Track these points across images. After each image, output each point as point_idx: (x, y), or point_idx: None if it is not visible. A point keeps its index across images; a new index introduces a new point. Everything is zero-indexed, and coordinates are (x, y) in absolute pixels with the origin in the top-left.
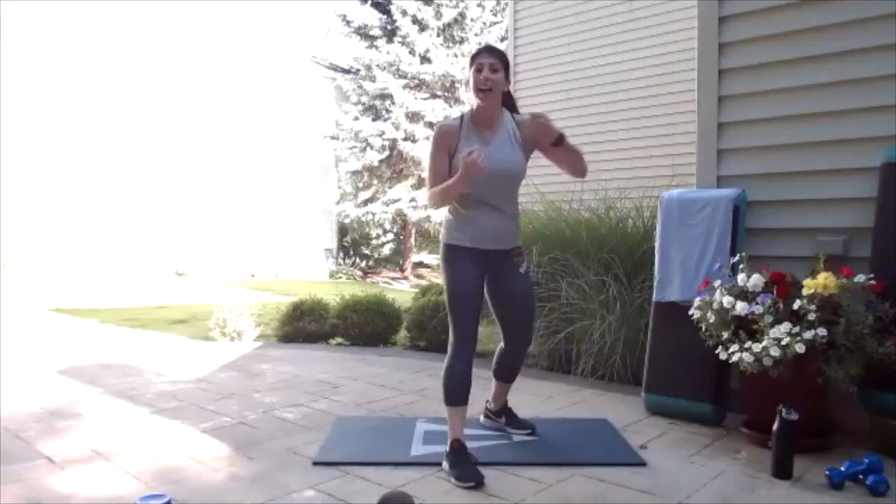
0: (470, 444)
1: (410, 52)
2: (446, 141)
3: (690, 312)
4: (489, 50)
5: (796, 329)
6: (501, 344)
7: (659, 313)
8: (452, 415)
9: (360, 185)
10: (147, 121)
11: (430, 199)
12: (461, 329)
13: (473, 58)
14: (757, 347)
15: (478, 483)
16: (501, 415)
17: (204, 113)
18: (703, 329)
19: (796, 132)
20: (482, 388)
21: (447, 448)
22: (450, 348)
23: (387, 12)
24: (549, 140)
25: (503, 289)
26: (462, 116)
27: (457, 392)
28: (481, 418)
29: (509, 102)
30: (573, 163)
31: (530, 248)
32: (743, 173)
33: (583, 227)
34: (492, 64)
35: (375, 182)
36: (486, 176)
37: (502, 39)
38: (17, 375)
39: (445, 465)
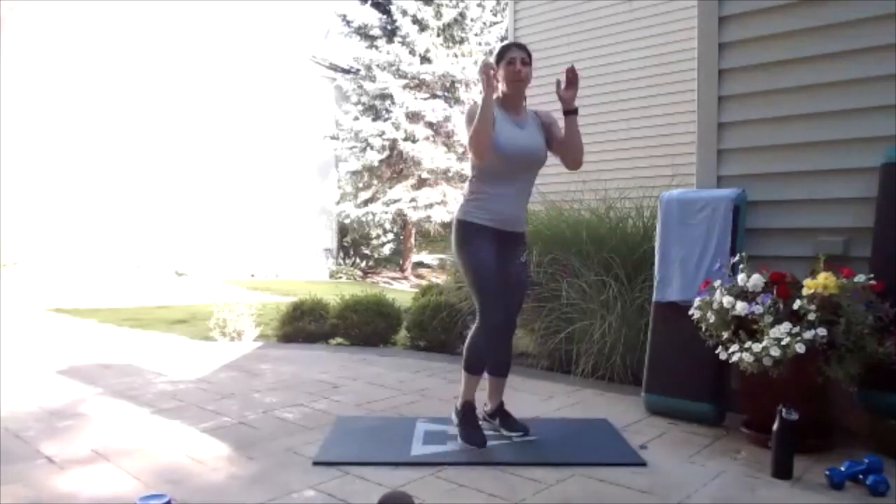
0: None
1: (410, 52)
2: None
3: (690, 312)
4: (519, 45)
5: (796, 329)
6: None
7: (659, 313)
8: (469, 381)
9: (360, 185)
10: (147, 121)
11: (471, 140)
12: (487, 302)
13: (504, 51)
14: (757, 347)
15: (479, 445)
16: (496, 416)
17: (204, 113)
18: (703, 329)
19: (796, 132)
20: (480, 389)
21: (458, 407)
22: (477, 322)
23: (387, 12)
24: (568, 98)
25: (504, 268)
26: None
27: (477, 362)
28: (479, 422)
29: None
30: (575, 151)
31: (530, 248)
32: (743, 173)
33: (583, 227)
34: (523, 58)
35: (375, 182)
36: (518, 155)
37: (502, 39)
38: (17, 375)
39: (454, 419)
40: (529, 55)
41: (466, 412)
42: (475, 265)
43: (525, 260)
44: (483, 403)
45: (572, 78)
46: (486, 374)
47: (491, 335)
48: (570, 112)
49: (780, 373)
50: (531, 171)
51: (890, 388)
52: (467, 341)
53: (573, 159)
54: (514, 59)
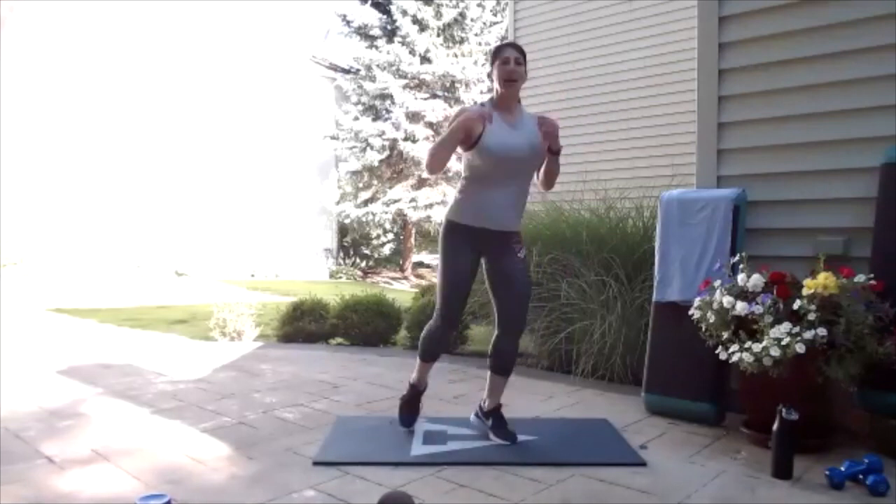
0: (471, 444)
1: (410, 52)
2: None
3: (690, 312)
4: (513, 45)
5: (796, 329)
6: (496, 332)
7: (659, 313)
8: (421, 367)
9: (360, 185)
10: (147, 121)
11: (429, 153)
12: (448, 302)
13: (498, 51)
14: (757, 347)
15: (404, 426)
16: (489, 417)
17: (204, 113)
18: (703, 329)
19: (796, 132)
20: (478, 388)
21: (409, 383)
22: (435, 315)
23: (387, 12)
24: (550, 146)
25: (501, 269)
26: (484, 104)
27: (431, 352)
28: (472, 417)
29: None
30: (551, 175)
31: (530, 249)
32: (743, 173)
33: (583, 227)
34: (517, 58)
35: (375, 182)
36: (509, 158)
37: (502, 39)
38: (17, 375)
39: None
40: (523, 55)
41: (412, 393)
42: (446, 264)
43: (523, 256)
44: (481, 399)
45: (551, 130)
46: (487, 372)
47: (444, 331)
48: (554, 153)
49: (780, 373)
50: (524, 173)
51: (890, 388)
52: (425, 331)
53: (546, 183)
54: (507, 59)
